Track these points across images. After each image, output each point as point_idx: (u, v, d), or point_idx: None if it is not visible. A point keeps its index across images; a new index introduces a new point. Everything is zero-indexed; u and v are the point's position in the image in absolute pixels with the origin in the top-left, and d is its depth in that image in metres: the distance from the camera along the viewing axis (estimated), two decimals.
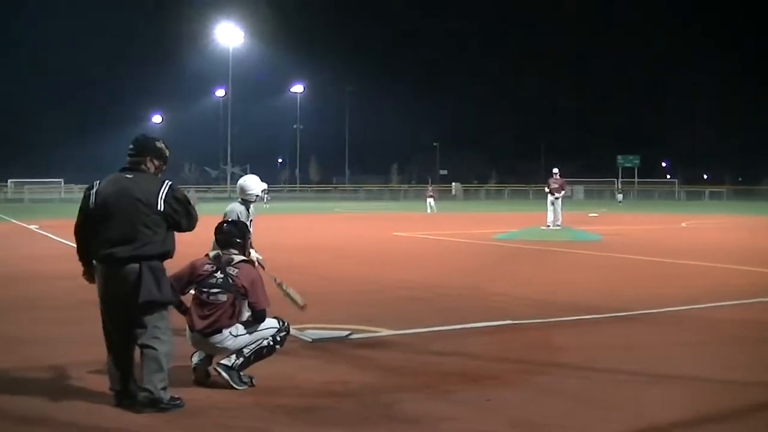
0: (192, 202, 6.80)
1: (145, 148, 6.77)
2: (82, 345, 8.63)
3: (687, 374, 7.78)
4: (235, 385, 7.02)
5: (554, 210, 29.36)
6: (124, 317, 6.58)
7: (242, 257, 7.41)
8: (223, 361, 7.10)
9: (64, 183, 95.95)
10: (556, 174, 30.40)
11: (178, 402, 6.52)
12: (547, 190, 30.49)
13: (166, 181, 6.63)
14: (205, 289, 7.12)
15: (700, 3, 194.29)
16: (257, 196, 9.51)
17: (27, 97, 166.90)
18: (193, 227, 6.70)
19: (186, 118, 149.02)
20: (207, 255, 7.39)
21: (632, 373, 7.81)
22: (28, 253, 21.05)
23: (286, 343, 7.53)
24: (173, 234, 6.63)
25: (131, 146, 6.77)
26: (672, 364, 8.22)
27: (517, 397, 6.96)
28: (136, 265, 6.42)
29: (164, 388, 6.46)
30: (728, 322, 10.90)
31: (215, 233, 7.57)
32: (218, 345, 7.11)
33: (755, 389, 7.29)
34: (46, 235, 27.31)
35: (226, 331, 7.09)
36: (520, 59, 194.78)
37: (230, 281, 7.12)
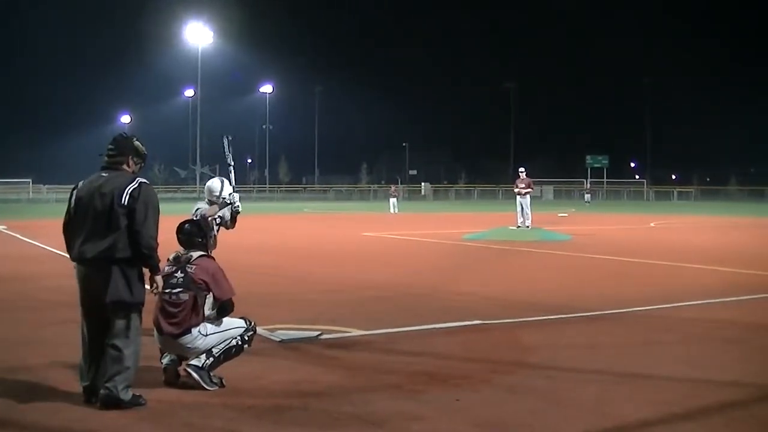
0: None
1: (125, 147, 6.85)
2: (54, 346, 8.61)
3: (653, 373, 7.86)
4: (205, 386, 7.02)
5: (523, 211, 29.36)
6: (97, 316, 6.63)
7: (201, 253, 7.40)
8: (193, 362, 7.10)
9: (32, 183, 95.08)
10: (522, 173, 30.42)
11: (140, 401, 6.54)
12: (516, 190, 30.47)
13: (138, 179, 6.67)
14: (167, 290, 7.09)
15: (668, 5, 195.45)
16: (224, 198, 9.52)
17: None
18: (147, 238, 6.51)
19: (155, 118, 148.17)
20: (168, 259, 7.37)
21: (599, 372, 7.89)
22: None
23: (255, 344, 7.56)
24: (135, 223, 6.52)
25: (111, 146, 6.82)
26: (638, 364, 8.30)
27: (485, 397, 7.01)
28: (106, 265, 6.45)
29: (126, 388, 6.48)
30: (695, 321, 11.00)
31: (177, 233, 7.56)
32: (188, 345, 7.11)
33: (721, 388, 7.37)
34: (14, 236, 27.10)
35: (195, 331, 7.09)
36: (489, 60, 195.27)
37: (190, 278, 7.14)
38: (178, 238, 7.52)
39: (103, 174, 6.73)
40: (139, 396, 6.57)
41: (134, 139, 6.98)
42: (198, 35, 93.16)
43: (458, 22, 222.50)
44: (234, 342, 7.24)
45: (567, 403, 6.82)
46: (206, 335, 7.14)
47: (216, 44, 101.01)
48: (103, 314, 6.58)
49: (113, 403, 6.40)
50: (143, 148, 6.95)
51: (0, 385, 7.27)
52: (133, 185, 6.57)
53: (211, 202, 9.45)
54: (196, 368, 7.06)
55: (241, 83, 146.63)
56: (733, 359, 8.70)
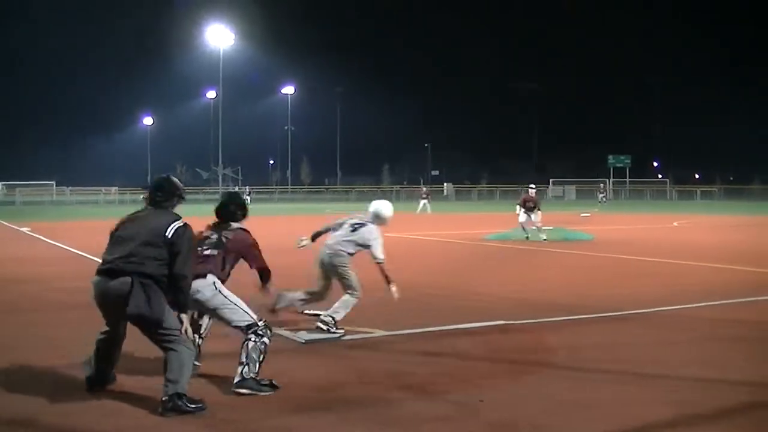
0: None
1: (173, 191, 7.20)
2: (74, 347, 8.63)
3: (673, 374, 7.85)
4: (258, 393, 6.99)
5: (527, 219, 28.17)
6: (116, 323, 6.88)
7: (239, 225, 7.80)
8: (234, 381, 7.05)
9: (56, 185, 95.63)
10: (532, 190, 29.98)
11: (200, 405, 6.55)
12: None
13: (182, 218, 6.95)
14: (199, 248, 7.41)
15: (689, 3, 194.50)
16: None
17: (17, 99, 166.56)
18: (182, 271, 6.69)
19: (177, 119, 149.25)
20: (208, 225, 7.89)
21: (620, 372, 7.88)
22: (19, 256, 21.02)
23: (279, 344, 7.54)
24: (175, 266, 6.70)
25: (159, 192, 7.13)
26: (659, 364, 8.28)
27: (507, 398, 7.02)
28: (128, 279, 6.55)
29: (181, 386, 6.48)
30: (716, 321, 10.96)
31: (216, 210, 7.96)
32: (199, 294, 7.12)
33: (741, 388, 7.35)
34: (38, 238, 27.24)
35: (210, 277, 7.26)
36: (511, 59, 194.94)
37: (222, 241, 7.55)
38: (218, 214, 7.93)
39: (149, 208, 7.11)
40: (199, 401, 6.59)
41: (174, 179, 7.38)
42: (219, 37, 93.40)
43: (480, 22, 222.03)
44: (251, 339, 7.15)
45: (589, 404, 6.82)
46: (219, 292, 7.23)
47: (237, 46, 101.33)
48: (115, 324, 6.88)
49: (176, 406, 6.41)
50: (181, 185, 7.40)
51: (20, 385, 7.34)
52: (179, 223, 6.83)
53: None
54: (238, 384, 7.02)
55: (263, 84, 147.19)
56: (752, 359, 8.66)
